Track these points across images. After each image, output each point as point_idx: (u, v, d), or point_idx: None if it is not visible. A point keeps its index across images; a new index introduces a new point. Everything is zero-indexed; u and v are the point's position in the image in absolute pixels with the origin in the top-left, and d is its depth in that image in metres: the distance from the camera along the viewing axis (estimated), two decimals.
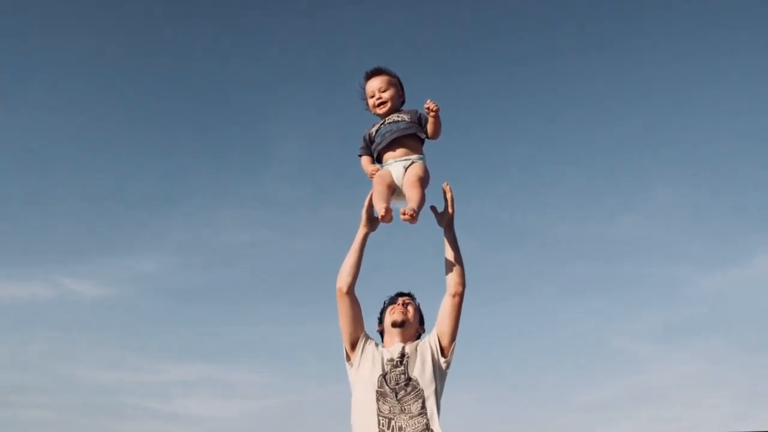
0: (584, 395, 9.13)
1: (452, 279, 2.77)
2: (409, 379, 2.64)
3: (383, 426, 2.55)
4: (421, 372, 2.66)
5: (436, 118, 2.81)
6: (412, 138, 2.88)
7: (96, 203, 11.21)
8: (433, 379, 2.66)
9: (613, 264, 11.02)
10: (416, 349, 2.74)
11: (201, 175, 11.62)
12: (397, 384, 2.63)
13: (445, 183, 2.93)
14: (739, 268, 10.49)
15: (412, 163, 2.82)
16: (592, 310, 10.34)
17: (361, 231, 2.84)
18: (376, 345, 2.81)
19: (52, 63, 10.93)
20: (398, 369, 2.66)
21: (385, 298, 2.99)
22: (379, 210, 2.62)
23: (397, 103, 2.98)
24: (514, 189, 11.46)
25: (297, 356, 9.40)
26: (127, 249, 11.04)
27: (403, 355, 2.70)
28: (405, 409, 2.57)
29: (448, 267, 2.79)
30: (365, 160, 2.98)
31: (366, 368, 2.71)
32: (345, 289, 2.77)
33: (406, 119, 2.89)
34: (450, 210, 2.88)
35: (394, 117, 2.92)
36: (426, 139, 2.92)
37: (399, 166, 2.82)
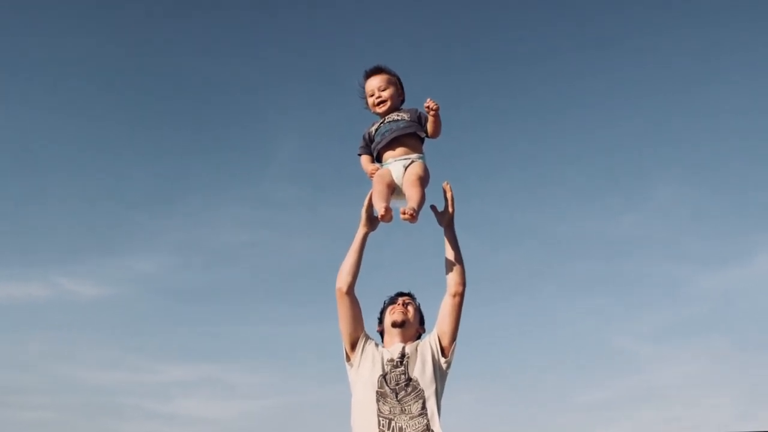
0: (584, 395, 9.13)
1: (452, 278, 2.76)
2: (410, 379, 2.63)
3: (383, 427, 2.53)
4: (422, 372, 2.65)
5: (436, 116, 2.80)
6: (411, 137, 2.86)
7: (94, 202, 11.21)
8: (433, 380, 2.65)
9: (613, 263, 11.03)
10: (416, 350, 2.72)
11: (200, 175, 11.62)
12: (397, 384, 2.61)
13: (445, 182, 2.92)
14: (740, 268, 10.49)
15: (412, 162, 2.81)
16: (592, 309, 10.34)
17: (361, 230, 2.82)
18: (376, 345, 2.80)
19: (50, 63, 10.93)
20: (398, 369, 2.65)
21: (385, 298, 2.98)
22: (379, 209, 2.61)
23: (397, 102, 2.96)
24: (515, 188, 11.46)
25: (297, 356, 9.40)
26: (125, 249, 11.03)
27: (403, 355, 2.69)
28: (405, 410, 2.56)
29: (449, 266, 2.78)
30: (365, 159, 2.97)
31: (366, 368, 2.69)
32: (345, 289, 2.76)
33: (406, 118, 2.88)
34: (450, 209, 2.86)
35: (393, 116, 2.90)
36: (426, 138, 2.91)
37: (399, 165, 2.81)
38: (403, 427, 2.53)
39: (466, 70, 11.68)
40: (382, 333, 2.91)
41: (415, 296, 2.97)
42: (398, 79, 2.99)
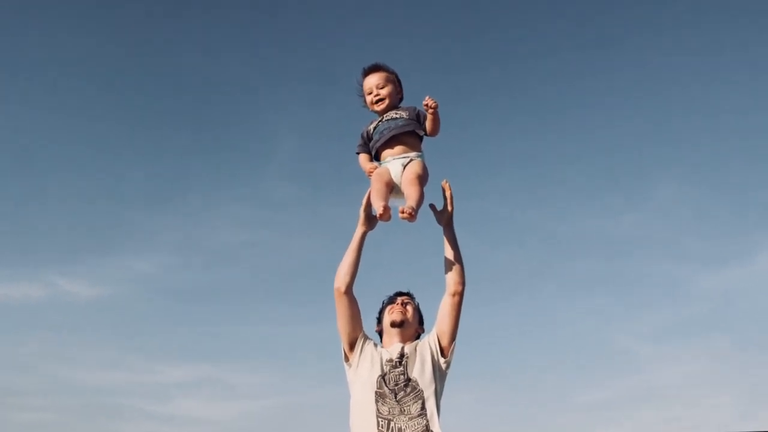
0: (584, 395, 9.12)
1: (452, 278, 2.74)
2: (409, 379, 2.61)
3: (382, 427, 2.51)
4: (421, 372, 2.63)
5: (435, 114, 2.78)
6: (410, 135, 2.84)
7: (93, 202, 11.21)
8: (432, 380, 2.63)
9: (614, 262, 11.03)
10: (416, 350, 2.71)
11: (199, 174, 11.62)
12: (396, 385, 2.59)
13: (444, 180, 2.90)
14: (741, 267, 10.49)
15: (411, 160, 2.79)
16: (592, 308, 10.34)
17: (359, 230, 2.80)
18: (375, 345, 2.78)
19: (49, 63, 10.92)
20: (397, 369, 2.63)
21: (384, 297, 2.96)
22: (378, 208, 2.58)
23: (396, 100, 2.94)
24: (515, 186, 11.46)
25: (296, 356, 9.39)
26: (124, 249, 11.03)
27: (402, 355, 2.67)
28: (404, 410, 2.54)
29: (448, 266, 2.76)
30: (363, 158, 2.95)
31: (365, 369, 2.67)
32: (343, 288, 2.74)
33: (405, 116, 2.86)
34: (449, 208, 2.84)
35: (392, 114, 2.88)
36: (425, 137, 2.89)
37: (397, 164, 2.79)
38: (403, 427, 2.51)
39: (466, 68, 11.70)
40: (380, 333, 2.89)
41: (414, 296, 2.95)
42: (396, 76, 2.97)
